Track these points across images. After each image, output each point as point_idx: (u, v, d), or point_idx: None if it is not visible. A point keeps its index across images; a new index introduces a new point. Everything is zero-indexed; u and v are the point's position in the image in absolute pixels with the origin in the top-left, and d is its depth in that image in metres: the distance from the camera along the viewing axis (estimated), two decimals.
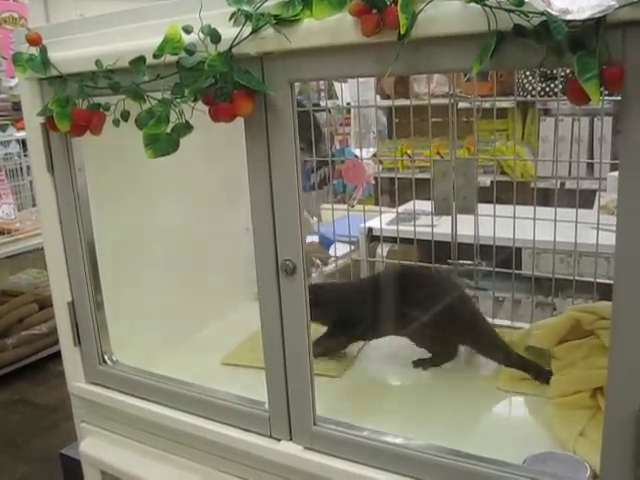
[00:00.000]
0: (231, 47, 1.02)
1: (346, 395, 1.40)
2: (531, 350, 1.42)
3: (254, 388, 1.27)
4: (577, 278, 1.65)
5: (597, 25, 0.76)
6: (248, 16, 1.00)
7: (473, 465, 1.03)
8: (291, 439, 1.20)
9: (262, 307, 1.17)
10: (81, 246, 1.39)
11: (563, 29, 0.76)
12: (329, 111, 4.32)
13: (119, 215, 1.51)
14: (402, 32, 0.85)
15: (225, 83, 1.03)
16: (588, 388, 1.27)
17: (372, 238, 2.65)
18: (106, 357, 1.46)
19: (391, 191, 3.04)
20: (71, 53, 1.24)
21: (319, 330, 1.54)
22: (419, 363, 1.50)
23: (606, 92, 0.92)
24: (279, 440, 1.21)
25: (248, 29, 1.01)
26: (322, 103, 4.18)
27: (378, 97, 3.64)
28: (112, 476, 1.48)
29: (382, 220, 2.09)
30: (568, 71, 2.97)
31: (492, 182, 3.05)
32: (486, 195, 1.87)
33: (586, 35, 0.78)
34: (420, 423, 1.30)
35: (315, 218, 2.94)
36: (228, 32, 1.02)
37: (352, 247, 2.48)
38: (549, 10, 0.76)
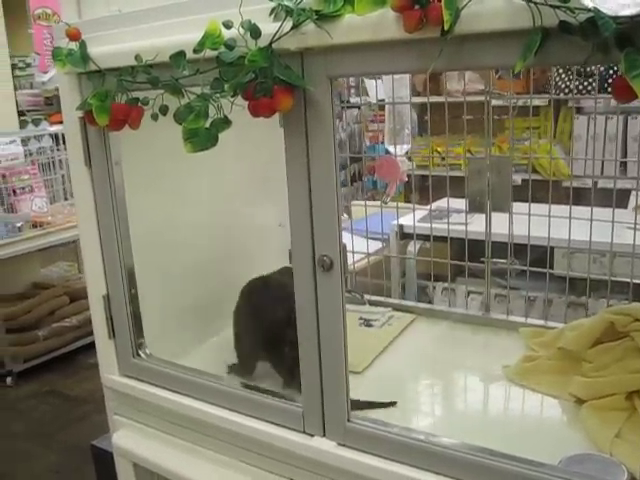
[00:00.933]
0: (271, 42, 1.02)
1: (368, 391, 1.39)
2: (563, 351, 1.41)
3: None
4: (612, 279, 1.63)
5: None
6: (289, 11, 1.00)
7: (507, 465, 1.02)
8: (324, 435, 1.20)
9: (298, 303, 1.16)
10: (117, 240, 1.40)
11: (611, 25, 0.75)
12: (359, 108, 4.33)
13: (154, 209, 1.52)
14: (446, 28, 0.85)
15: (265, 78, 1.03)
16: (623, 391, 1.26)
17: (403, 235, 2.65)
18: (140, 350, 1.47)
19: (422, 188, 3.03)
20: (110, 48, 1.25)
21: None
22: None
23: None
24: (312, 436, 1.21)
25: (289, 24, 1.01)
26: (352, 100, 4.19)
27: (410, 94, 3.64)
28: (144, 468, 1.49)
29: (413, 217, 2.08)
30: (602, 69, 2.94)
31: (523, 180, 3.03)
32: (518, 194, 1.85)
33: (634, 32, 0.77)
34: (445, 420, 1.30)
35: (345, 215, 2.95)
36: (268, 27, 1.02)
37: (383, 244, 2.48)
38: (597, 7, 0.75)
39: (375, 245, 2.42)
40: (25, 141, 3.54)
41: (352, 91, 4.30)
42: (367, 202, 2.10)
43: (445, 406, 1.37)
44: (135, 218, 1.44)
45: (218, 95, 1.08)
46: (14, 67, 2.70)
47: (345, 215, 2.94)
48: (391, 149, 1.82)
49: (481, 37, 0.87)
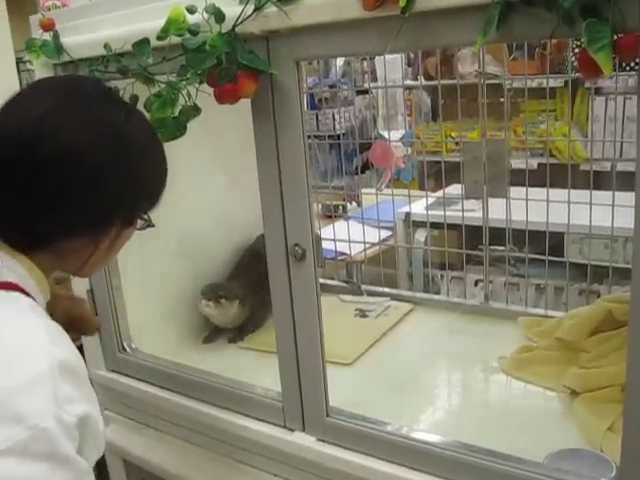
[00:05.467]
0: (234, 26, 0.99)
1: (357, 384, 1.36)
2: (560, 342, 1.35)
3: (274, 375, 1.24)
4: (614, 265, 1.56)
5: None
6: None
7: (486, 461, 0.99)
8: (304, 430, 1.17)
9: (273, 294, 1.13)
10: None
11: None
12: (370, 92, 4.27)
13: None
14: (401, 5, 0.81)
15: (230, 64, 1.00)
16: (619, 382, 1.20)
17: (410, 223, 2.59)
18: (125, 345, 1.45)
19: (436, 174, 2.97)
20: (82, 38, 1.23)
21: None
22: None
23: None
24: (293, 431, 1.19)
25: (252, 7, 0.98)
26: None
27: (422, 78, 3.56)
28: (134, 464, 1.47)
29: (422, 204, 2.02)
30: None
31: (539, 164, 2.95)
32: (535, 178, 1.78)
33: (599, 2, 0.72)
34: (433, 414, 1.27)
35: (354, 203, 2.90)
36: (233, 11, 0.98)
37: (390, 232, 2.42)
38: None
39: (384, 234, 2.36)
40: None
41: (366, 77, 4.24)
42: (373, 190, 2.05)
43: (434, 399, 1.32)
44: None
45: (185, 82, 1.05)
46: (19, 61, 2.68)
47: (354, 203, 2.89)
48: (385, 134, 1.77)
49: (442, 13, 0.83)
